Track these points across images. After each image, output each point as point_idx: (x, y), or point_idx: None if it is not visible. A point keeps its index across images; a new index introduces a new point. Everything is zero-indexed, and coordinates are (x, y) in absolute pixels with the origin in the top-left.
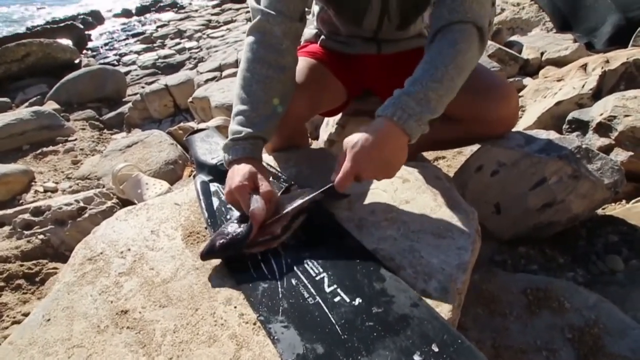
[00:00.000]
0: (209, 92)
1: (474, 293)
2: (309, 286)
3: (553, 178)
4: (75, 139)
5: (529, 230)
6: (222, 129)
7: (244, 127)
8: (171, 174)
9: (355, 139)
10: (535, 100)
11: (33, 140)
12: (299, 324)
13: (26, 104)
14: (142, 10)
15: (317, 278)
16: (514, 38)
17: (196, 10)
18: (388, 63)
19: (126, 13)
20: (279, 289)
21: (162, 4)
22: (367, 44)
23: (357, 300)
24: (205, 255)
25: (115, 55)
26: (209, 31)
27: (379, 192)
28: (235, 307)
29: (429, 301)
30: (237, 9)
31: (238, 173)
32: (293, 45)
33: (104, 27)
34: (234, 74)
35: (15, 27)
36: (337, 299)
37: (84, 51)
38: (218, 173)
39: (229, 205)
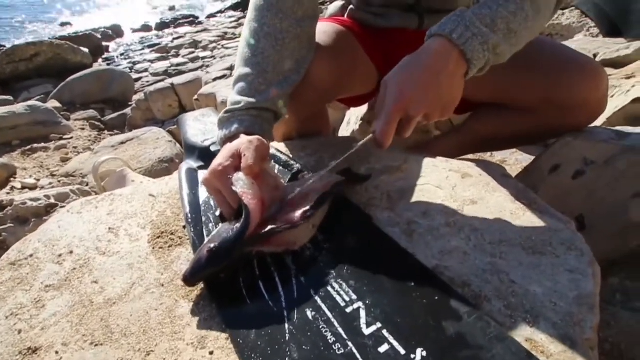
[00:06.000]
0: (217, 89)
1: None
2: (335, 323)
3: None
4: (71, 137)
5: (629, 254)
6: None
7: (245, 96)
8: (165, 173)
9: (398, 66)
10: None
11: (25, 136)
12: None
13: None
14: (161, 26)
15: (349, 310)
16: None
17: (214, 25)
18: None
19: (146, 28)
20: (286, 326)
21: (181, 21)
22: (406, 16)
23: (420, 353)
24: (191, 277)
25: (129, 63)
26: (224, 42)
27: (431, 187)
28: (211, 354)
29: (541, 358)
30: None
31: (221, 153)
32: None
33: (122, 40)
34: None
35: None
36: (383, 348)
37: (99, 60)
38: (211, 158)
39: None
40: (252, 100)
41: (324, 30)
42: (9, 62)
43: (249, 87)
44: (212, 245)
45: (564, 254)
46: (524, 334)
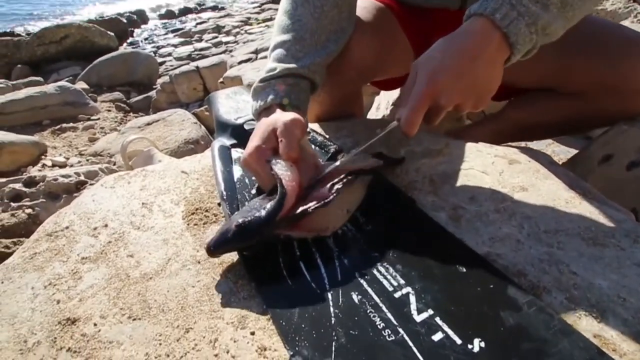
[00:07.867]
0: (242, 72)
1: None
2: (384, 308)
3: None
4: (98, 118)
5: None
6: None
7: (281, 62)
8: (191, 154)
9: (431, 49)
10: None
11: (55, 116)
12: None
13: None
14: (184, 12)
15: (397, 295)
16: None
17: (237, 10)
18: None
19: (169, 14)
20: (331, 310)
21: (204, 6)
22: None
23: (477, 344)
24: (215, 248)
25: (153, 47)
26: (247, 27)
27: (476, 173)
28: (252, 334)
29: (613, 356)
30: (277, 9)
31: (258, 130)
32: None
33: (146, 25)
34: None
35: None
36: (437, 336)
37: (124, 44)
38: (244, 136)
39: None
40: (289, 66)
41: (364, 5)
42: (40, 44)
43: (286, 54)
44: (241, 221)
45: (630, 246)
46: (591, 330)
